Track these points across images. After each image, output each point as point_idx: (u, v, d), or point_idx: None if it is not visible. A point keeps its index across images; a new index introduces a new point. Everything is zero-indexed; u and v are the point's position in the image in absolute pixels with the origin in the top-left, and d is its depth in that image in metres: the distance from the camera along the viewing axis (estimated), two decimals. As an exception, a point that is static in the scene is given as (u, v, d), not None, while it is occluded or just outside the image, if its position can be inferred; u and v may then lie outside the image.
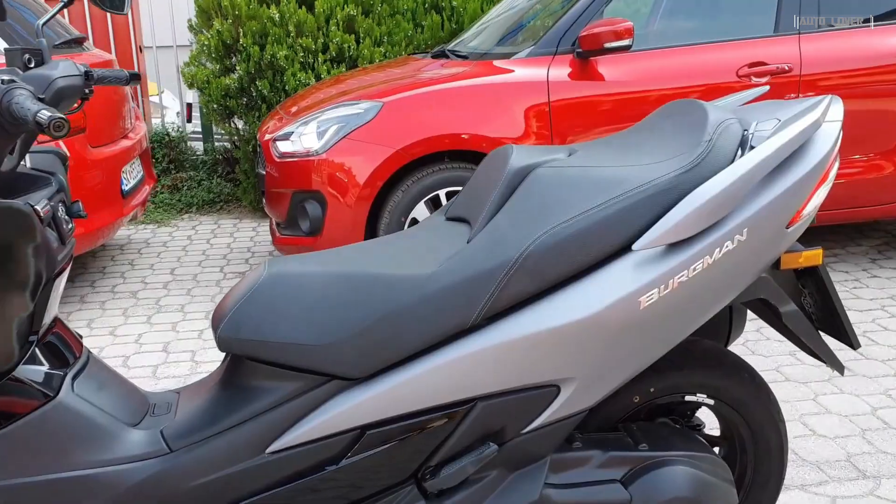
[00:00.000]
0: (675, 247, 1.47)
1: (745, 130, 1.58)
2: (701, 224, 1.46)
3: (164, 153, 6.03)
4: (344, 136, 3.62)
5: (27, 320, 1.42)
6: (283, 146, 3.77)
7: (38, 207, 1.42)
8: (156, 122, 6.61)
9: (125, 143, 4.18)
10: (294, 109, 4.02)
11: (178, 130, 6.25)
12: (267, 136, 3.91)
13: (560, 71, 3.70)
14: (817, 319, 1.72)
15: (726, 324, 1.88)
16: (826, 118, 1.56)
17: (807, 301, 1.74)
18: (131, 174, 4.23)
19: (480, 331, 1.47)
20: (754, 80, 3.67)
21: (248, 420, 1.48)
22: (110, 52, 6.18)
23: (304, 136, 3.72)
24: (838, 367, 1.74)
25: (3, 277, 1.35)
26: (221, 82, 5.24)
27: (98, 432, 1.49)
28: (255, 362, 1.49)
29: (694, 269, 1.47)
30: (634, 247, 1.46)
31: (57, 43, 4.00)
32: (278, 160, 3.79)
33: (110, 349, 3.43)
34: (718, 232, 1.47)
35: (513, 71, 3.75)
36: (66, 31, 4.31)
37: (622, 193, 1.48)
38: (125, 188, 4.06)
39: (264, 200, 4.03)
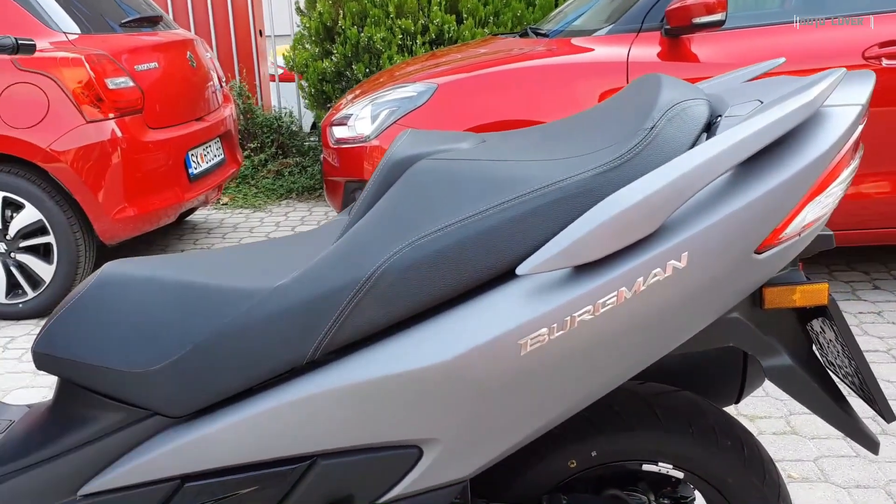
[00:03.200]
0: (576, 273, 1.05)
1: (718, 116, 1.13)
2: (614, 243, 1.03)
3: (272, 138, 5.98)
4: (395, 122, 3.31)
5: None
6: (339, 131, 3.52)
7: None
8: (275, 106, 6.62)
9: (197, 125, 4.08)
10: (357, 92, 3.76)
11: (289, 115, 6.19)
12: (327, 121, 3.68)
13: (643, 50, 3.19)
14: (844, 375, 1.23)
15: (737, 371, 1.41)
16: (831, 100, 1.07)
17: (825, 351, 1.25)
18: (204, 157, 4.14)
19: (319, 370, 1.14)
20: (886, 62, 2.99)
21: (61, 454, 1.25)
22: (231, 37, 6.23)
23: (358, 121, 3.45)
24: (867, 442, 1.23)
25: None
26: (319, 66, 5.08)
27: None
28: (74, 386, 1.24)
29: (604, 305, 1.04)
30: (518, 270, 1.04)
31: (127, 20, 3.96)
32: (333, 146, 3.55)
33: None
34: (643, 255, 1.04)
35: (591, 50, 3.28)
36: (147, 6, 4.27)
37: (514, 198, 1.08)
38: (193, 171, 3.96)
39: (325, 189, 3.80)
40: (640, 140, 1.08)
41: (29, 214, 3.43)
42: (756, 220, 1.04)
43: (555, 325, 1.04)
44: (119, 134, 3.50)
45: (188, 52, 4.20)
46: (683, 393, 1.34)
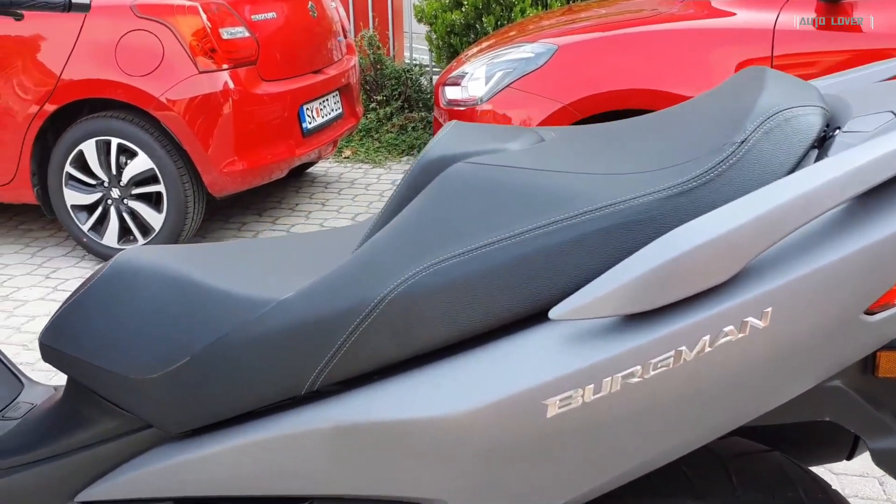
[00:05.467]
0: (624, 323, 0.84)
1: (835, 129, 0.87)
2: (677, 291, 0.80)
3: (399, 91, 5.85)
4: (508, 85, 3.07)
5: None
6: (451, 92, 3.32)
7: None
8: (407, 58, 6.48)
9: (314, 78, 3.99)
10: (473, 51, 3.53)
11: (418, 68, 6.03)
12: (441, 80, 3.48)
13: (795, 16, 2.79)
14: None
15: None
16: None
17: None
18: (320, 111, 4.05)
19: (317, 403, 0.99)
20: None
21: (61, 454, 1.18)
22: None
23: (472, 82, 3.24)
24: None
25: None
26: (448, 17, 4.88)
27: None
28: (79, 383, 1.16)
29: (656, 366, 0.82)
30: (552, 314, 0.83)
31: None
32: (445, 107, 3.36)
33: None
34: (712, 308, 0.81)
35: (733, 14, 2.91)
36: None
37: (556, 220, 0.87)
38: (307, 126, 3.88)
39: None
40: (726, 157, 0.83)
41: (141, 162, 3.45)
42: (869, 273, 0.78)
43: (591, 385, 0.83)
44: (231, 85, 3.45)
45: (309, 2, 4.09)
46: (772, 454, 1.10)
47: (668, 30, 2.93)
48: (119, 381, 1.07)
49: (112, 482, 1.12)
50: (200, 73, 3.38)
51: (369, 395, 0.94)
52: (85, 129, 3.47)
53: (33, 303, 3.22)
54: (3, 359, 1.48)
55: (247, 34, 3.53)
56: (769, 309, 0.78)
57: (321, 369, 0.95)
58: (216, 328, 1.01)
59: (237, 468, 1.03)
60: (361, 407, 0.94)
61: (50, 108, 3.44)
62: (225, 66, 3.44)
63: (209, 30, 3.39)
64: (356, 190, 4.71)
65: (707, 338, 0.80)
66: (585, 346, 0.83)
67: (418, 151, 5.44)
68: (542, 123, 2.99)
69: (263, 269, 1.11)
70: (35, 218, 4.08)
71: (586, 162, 0.95)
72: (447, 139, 1.03)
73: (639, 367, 0.81)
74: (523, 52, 3.09)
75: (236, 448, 1.02)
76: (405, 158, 5.37)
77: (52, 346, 1.13)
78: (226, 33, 3.43)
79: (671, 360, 0.81)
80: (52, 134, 3.55)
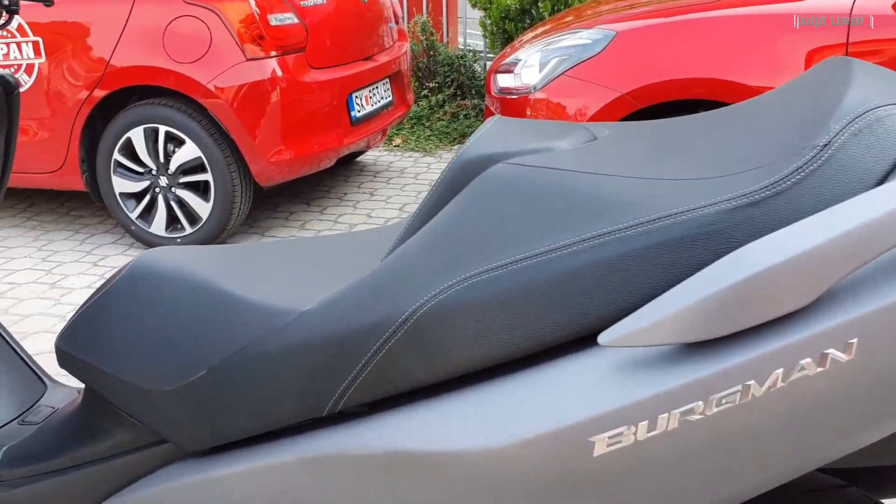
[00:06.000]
0: (684, 352, 0.73)
1: None
2: (746, 317, 0.69)
3: (452, 78, 5.74)
4: (563, 72, 2.94)
5: None
6: (503, 79, 3.20)
7: None
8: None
9: (364, 66, 3.90)
10: (528, 36, 3.40)
11: (472, 54, 5.90)
12: (494, 67, 3.37)
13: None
14: None
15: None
16: None
17: None
18: (369, 99, 3.97)
19: (340, 426, 0.91)
20: None
21: (80, 465, 1.13)
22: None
23: (525, 69, 3.11)
24: None
25: None
26: (503, 2, 4.74)
27: None
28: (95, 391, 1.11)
29: (720, 402, 0.71)
30: (601, 339, 0.73)
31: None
32: (496, 96, 3.24)
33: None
34: (786, 337, 0.69)
35: (806, -3, 2.73)
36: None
37: (609, 231, 0.76)
38: (355, 114, 3.80)
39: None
40: (806, 162, 0.71)
41: (189, 151, 3.42)
42: None
43: (644, 422, 0.72)
44: (279, 73, 3.38)
45: (360, -13, 4.01)
46: (849, 490, 0.98)
47: (733, 15, 2.76)
48: (134, 392, 1.00)
49: (129, 497, 1.05)
50: (248, 60, 3.32)
51: (397, 421, 0.85)
52: (133, 117, 3.45)
53: (79, 291, 3.21)
54: (26, 359, 1.43)
55: (295, 20, 3.46)
56: (854, 340, 0.67)
57: (344, 389, 0.87)
58: (235, 339, 0.93)
59: (254, 492, 0.95)
60: (388, 434, 0.85)
61: (99, 94, 3.43)
62: (273, 53, 3.38)
63: (257, 16, 3.32)
64: (405, 179, 4.62)
65: (780, 371, 0.68)
66: (638, 378, 0.73)
67: (470, 140, 5.33)
68: (598, 113, 2.85)
69: (287, 276, 1.02)
70: (86, 204, 4.09)
71: (643, 165, 0.83)
72: (488, 136, 0.93)
73: (700, 403, 0.70)
74: (580, 39, 2.95)
75: (254, 471, 0.94)
76: (456, 147, 5.26)
77: (68, 351, 1.06)
78: (274, 20, 3.37)
79: (738, 395, 0.70)
80: (100, 121, 3.54)
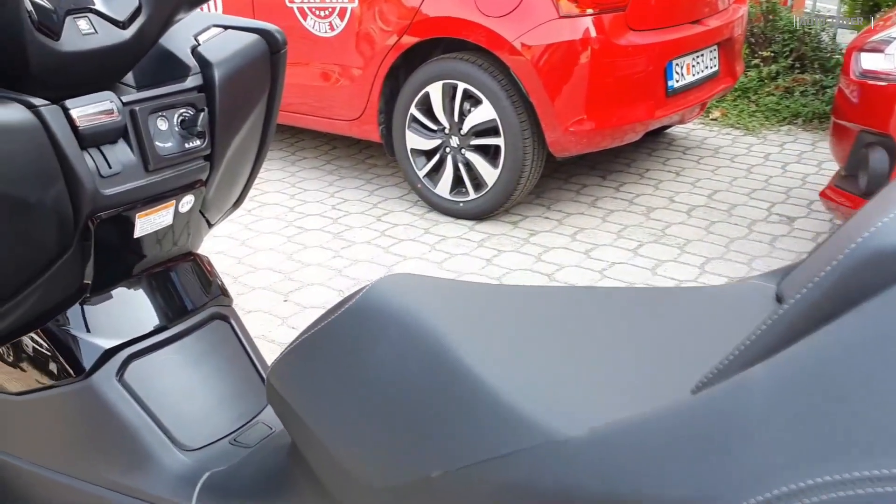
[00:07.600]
0: None
1: None
2: None
3: (792, 47, 4.97)
4: (958, 59, 2.26)
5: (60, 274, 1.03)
6: (868, 60, 2.57)
7: (73, 113, 0.96)
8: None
9: (690, 30, 3.40)
10: (910, 7, 2.70)
11: (822, 22, 5.07)
12: (856, 43, 2.72)
13: None
14: None
15: None
16: None
17: None
18: (692, 68, 3.47)
19: None
20: None
21: None
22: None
23: (902, 50, 2.46)
24: None
25: None
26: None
27: (122, 442, 1.06)
28: None
29: None
30: None
31: None
32: (856, 79, 2.61)
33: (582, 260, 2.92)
34: None
35: None
36: None
37: None
38: (672, 85, 3.33)
39: (829, 131, 2.89)
40: None
41: (484, 112, 3.19)
42: None
43: None
44: (593, 33, 3.01)
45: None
46: None
47: None
48: (335, 467, 0.75)
49: None
50: (561, 17, 2.99)
51: None
52: (434, 71, 3.28)
53: (359, 245, 3.15)
54: (254, 359, 1.24)
55: (620, -26, 3.06)
56: None
57: None
58: (487, 442, 0.63)
59: None
60: None
61: (405, 42, 3.30)
62: (589, 11, 3.01)
63: (577, -32, 2.97)
64: (719, 160, 4.06)
65: None
66: None
67: (804, 122, 4.58)
68: None
69: (569, 355, 0.69)
70: (382, 153, 4.06)
71: None
72: None
73: None
74: None
75: None
76: (785, 128, 4.55)
77: (279, 387, 0.83)
78: (595, -28, 2.99)
79: None
80: (403, 72, 3.42)
